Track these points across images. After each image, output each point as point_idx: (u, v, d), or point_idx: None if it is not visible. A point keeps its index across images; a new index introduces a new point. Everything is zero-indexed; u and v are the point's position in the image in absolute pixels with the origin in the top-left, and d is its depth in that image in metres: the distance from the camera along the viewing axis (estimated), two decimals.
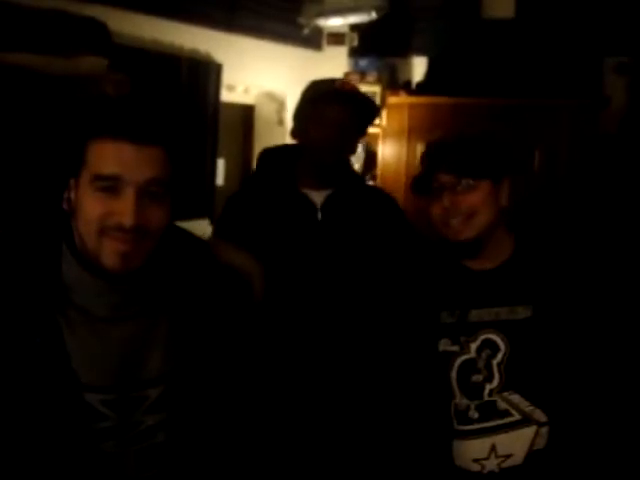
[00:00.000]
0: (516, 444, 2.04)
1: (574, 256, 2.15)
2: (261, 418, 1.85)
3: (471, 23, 5.62)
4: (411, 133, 5.64)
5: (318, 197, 2.55)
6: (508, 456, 2.04)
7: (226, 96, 5.52)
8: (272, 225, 2.49)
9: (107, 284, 1.53)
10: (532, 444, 2.04)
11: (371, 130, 5.74)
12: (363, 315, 2.47)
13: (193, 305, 1.66)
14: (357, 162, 6.00)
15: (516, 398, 2.04)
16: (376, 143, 5.86)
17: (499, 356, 2.04)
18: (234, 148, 5.87)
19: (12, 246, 1.57)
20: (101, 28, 3.91)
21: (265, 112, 5.85)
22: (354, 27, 6.05)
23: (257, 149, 5.61)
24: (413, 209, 5.42)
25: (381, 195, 2.87)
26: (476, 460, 2.05)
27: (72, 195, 1.53)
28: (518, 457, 2.04)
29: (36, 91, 3.43)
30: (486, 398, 2.04)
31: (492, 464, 2.04)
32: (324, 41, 6.27)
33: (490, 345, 2.05)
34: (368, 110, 2.62)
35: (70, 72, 3.53)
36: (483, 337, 2.05)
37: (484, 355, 2.04)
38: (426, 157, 2.10)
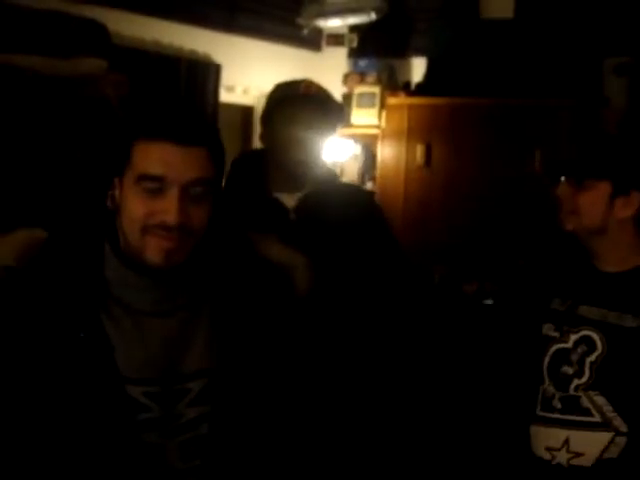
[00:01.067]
0: (590, 445, 2.05)
1: None
2: (298, 411, 1.84)
3: (470, 24, 5.61)
4: (410, 134, 5.63)
5: (290, 200, 2.55)
6: (579, 454, 2.04)
7: (225, 97, 5.52)
8: (247, 230, 2.48)
9: (149, 280, 1.58)
10: (605, 450, 2.03)
11: (370, 131, 5.77)
12: (343, 312, 2.48)
13: (234, 299, 1.68)
14: (356, 163, 6.01)
15: (601, 400, 2.04)
16: (375, 144, 5.85)
17: (594, 355, 2.05)
18: (233, 149, 5.83)
19: (57, 244, 1.62)
20: (100, 29, 3.91)
21: None
22: (353, 28, 6.04)
23: None
24: (413, 209, 5.47)
25: (355, 192, 2.86)
26: (548, 449, 2.07)
27: (116, 193, 1.58)
28: (588, 458, 2.04)
29: (36, 92, 3.43)
30: (571, 392, 2.06)
31: (562, 457, 2.05)
32: (323, 42, 6.27)
33: (588, 342, 2.07)
34: (334, 111, 2.62)
35: (69, 73, 3.53)
36: (584, 333, 2.07)
37: (580, 350, 2.07)
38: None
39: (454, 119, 5.44)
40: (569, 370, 2.07)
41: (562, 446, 2.05)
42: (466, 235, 5.21)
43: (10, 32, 3.62)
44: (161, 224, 1.52)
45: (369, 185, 5.95)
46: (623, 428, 2.02)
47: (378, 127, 5.81)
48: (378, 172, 5.82)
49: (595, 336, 2.05)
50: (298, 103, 2.51)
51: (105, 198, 1.60)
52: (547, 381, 2.09)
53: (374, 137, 5.83)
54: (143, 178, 1.51)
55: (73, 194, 2.76)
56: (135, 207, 1.52)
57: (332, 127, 2.63)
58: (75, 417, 1.50)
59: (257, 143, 5.70)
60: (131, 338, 1.56)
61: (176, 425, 1.59)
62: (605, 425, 2.03)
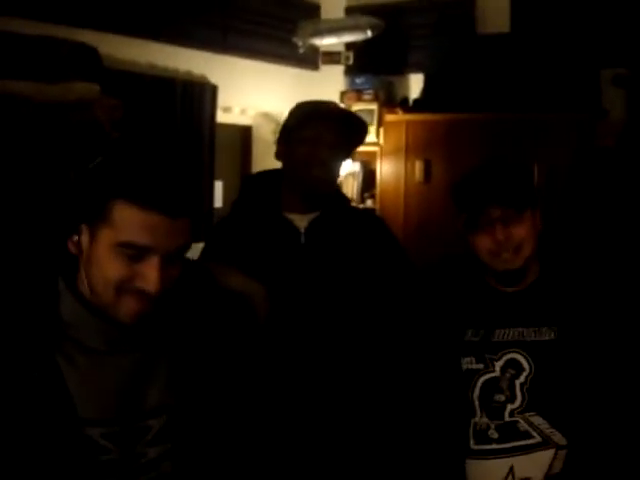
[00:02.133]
0: (535, 467, 2.01)
1: (595, 278, 2.13)
2: (263, 441, 1.82)
3: (466, 39, 5.61)
4: (409, 150, 5.62)
5: (302, 221, 2.52)
6: (526, 479, 2.00)
7: (223, 117, 5.52)
8: (256, 251, 2.45)
9: (105, 322, 1.52)
10: (550, 467, 2.00)
11: (368, 148, 5.75)
12: (349, 336, 2.46)
13: (194, 332, 1.64)
14: (355, 181, 5.99)
15: (537, 420, 2.01)
16: (374, 161, 5.83)
17: (522, 376, 2.01)
18: (232, 169, 5.87)
19: (8, 282, 1.56)
20: (92, 53, 3.91)
21: (262, 132, 5.84)
22: (350, 45, 6.05)
23: (255, 169, 5.59)
24: (413, 226, 5.45)
25: (369, 217, 2.83)
26: None
27: (83, 241, 1.50)
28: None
29: (26, 118, 3.42)
30: (507, 418, 2.01)
31: None
32: (320, 60, 6.27)
33: (514, 365, 2.02)
34: (356, 130, 2.59)
35: (61, 98, 3.52)
36: (508, 357, 2.03)
37: (508, 375, 2.02)
38: (469, 192, 2.07)
39: (453, 134, 5.42)
40: (501, 397, 2.01)
41: (507, 475, 2.00)
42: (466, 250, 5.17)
43: (1, 58, 3.62)
44: (140, 290, 1.47)
45: (368, 203, 5.93)
46: (562, 442, 2.00)
47: (376, 144, 5.80)
48: (377, 189, 5.81)
49: (519, 357, 2.01)
50: (317, 120, 2.50)
51: (65, 240, 1.54)
52: (479, 413, 2.02)
53: (372, 154, 5.82)
54: (126, 246, 1.44)
55: (37, 228, 2.73)
56: (112, 269, 1.46)
57: (353, 145, 2.62)
58: (32, 461, 1.44)
59: (256, 162, 5.75)
60: (87, 377, 1.50)
61: (137, 466, 1.53)
62: (545, 443, 2.00)
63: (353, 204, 5.84)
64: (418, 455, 2.08)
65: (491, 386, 2.02)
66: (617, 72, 5.10)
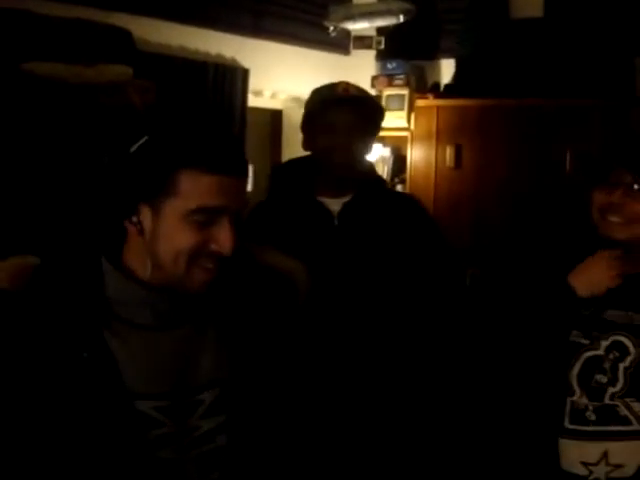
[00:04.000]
0: (630, 455, 1.98)
1: None
2: (306, 414, 1.84)
3: (499, 23, 5.56)
4: (440, 136, 5.60)
5: (335, 205, 2.53)
6: (619, 466, 1.98)
7: (253, 101, 5.51)
8: (291, 235, 2.47)
9: (155, 294, 1.55)
10: None
11: (399, 134, 5.74)
12: (385, 317, 2.46)
13: (240, 307, 1.68)
14: (385, 166, 5.97)
15: (638, 406, 1.98)
16: (405, 147, 5.81)
17: (627, 360, 1.99)
18: (262, 153, 5.86)
19: (52, 266, 1.59)
20: (125, 36, 3.93)
21: (293, 117, 5.82)
22: (381, 30, 6.01)
23: (285, 154, 5.61)
24: (443, 212, 5.43)
25: (404, 199, 2.83)
26: (585, 464, 2.00)
27: (144, 219, 1.52)
28: (629, 469, 1.98)
29: (61, 100, 3.44)
30: (607, 401, 1.99)
31: (600, 471, 1.99)
32: (351, 44, 6.24)
33: (620, 348, 2.00)
34: (374, 110, 2.59)
35: (94, 80, 3.54)
36: (614, 338, 2.00)
37: (612, 356, 2.00)
38: (612, 148, 2.05)
39: (484, 120, 5.40)
40: (603, 378, 1.99)
41: (600, 460, 1.97)
42: (497, 237, 5.15)
43: (36, 41, 3.64)
44: (214, 254, 1.51)
45: (399, 188, 5.91)
46: None
47: (407, 129, 5.78)
48: (408, 174, 5.79)
49: (626, 340, 1.98)
50: (336, 106, 2.50)
51: (117, 221, 1.56)
52: (578, 392, 2.00)
53: (403, 139, 5.81)
54: (200, 211, 1.48)
55: (84, 208, 2.75)
56: (185, 239, 1.49)
57: (374, 127, 2.61)
58: (87, 439, 1.47)
59: (286, 147, 5.76)
60: (137, 353, 1.54)
61: (191, 439, 1.56)
62: None
63: None
64: (510, 429, 2.07)
65: (594, 365, 2.00)
66: None
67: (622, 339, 1.99)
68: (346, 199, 2.54)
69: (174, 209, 1.49)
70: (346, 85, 2.61)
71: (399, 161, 5.97)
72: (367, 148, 2.60)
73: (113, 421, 1.48)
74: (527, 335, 2.08)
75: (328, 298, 2.43)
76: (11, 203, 3.32)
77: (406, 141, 5.80)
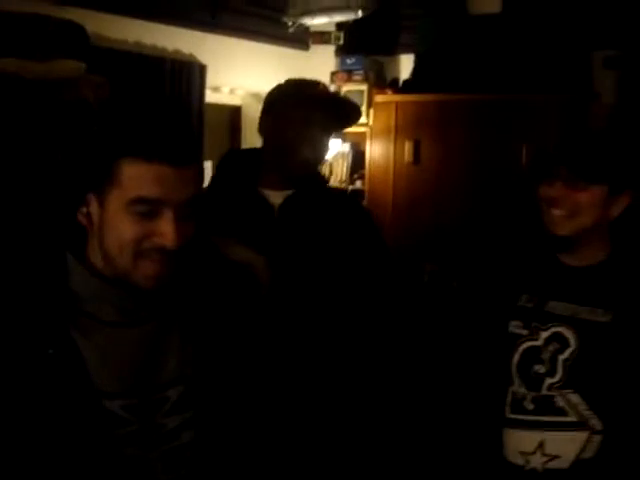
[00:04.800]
0: (566, 446, 2.00)
1: None
2: (272, 410, 1.84)
3: (457, 19, 5.57)
4: (399, 131, 5.60)
5: (277, 198, 2.52)
6: (555, 457, 2.00)
7: (212, 97, 5.48)
8: (231, 226, 2.45)
9: (122, 291, 1.53)
10: (582, 450, 1.99)
11: (358, 129, 5.73)
12: (323, 310, 2.45)
13: (204, 302, 1.66)
14: (344, 162, 5.96)
15: (575, 398, 1.99)
16: (364, 142, 5.81)
17: (567, 352, 2.00)
18: (221, 149, 5.79)
19: (16, 258, 1.57)
20: (78, 30, 3.85)
21: (252, 113, 5.80)
22: (340, 25, 6.00)
23: None
24: (402, 207, 5.44)
25: (345, 198, 2.84)
26: (522, 453, 2.02)
27: (93, 211, 1.51)
28: (565, 461, 2.00)
29: (11, 95, 3.38)
30: (544, 392, 2.01)
31: (537, 461, 2.00)
32: (310, 40, 6.22)
33: (560, 339, 2.01)
34: (347, 113, 2.59)
35: (46, 76, 3.48)
36: (555, 330, 2.02)
37: (551, 347, 2.01)
38: (553, 147, 2.07)
39: (442, 115, 5.41)
40: (541, 369, 2.01)
41: (536, 449, 1.99)
42: (455, 231, 5.17)
43: None
44: (158, 248, 1.47)
45: (358, 184, 5.91)
46: (598, 426, 1.98)
47: (366, 125, 5.77)
48: (367, 170, 5.79)
49: (567, 332, 2.00)
50: (316, 104, 2.49)
51: (68, 212, 1.54)
52: (517, 382, 2.03)
53: (362, 135, 5.80)
54: (138, 201, 1.44)
55: (39, 203, 2.71)
56: (127, 230, 1.46)
57: (345, 128, 2.63)
58: (54, 437, 1.45)
59: (245, 143, 5.72)
60: (104, 351, 1.52)
61: (157, 436, 1.55)
62: (581, 424, 1.98)
63: (343, 185, 5.90)
64: (454, 419, 2.09)
65: (532, 355, 2.02)
66: (608, 54, 5.08)
67: (563, 330, 2.01)
68: (288, 193, 2.52)
69: (116, 199, 1.46)
70: (322, 85, 2.62)
71: (358, 157, 5.97)
72: (328, 147, 2.60)
73: (81, 420, 1.47)
74: (470, 327, 2.11)
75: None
76: None
77: (365, 137, 5.80)
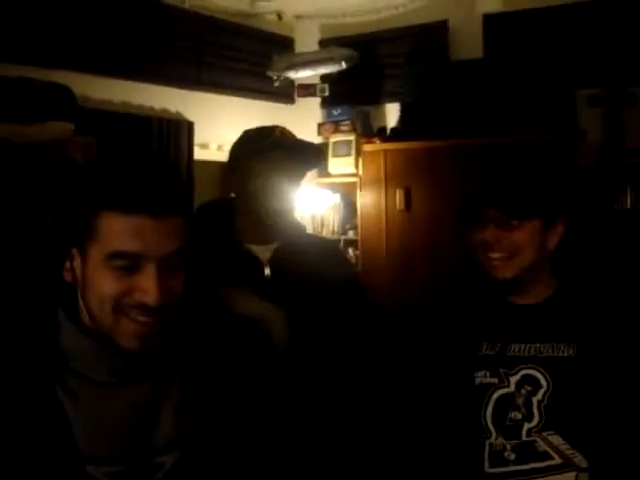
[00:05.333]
0: None
1: (613, 295, 2.06)
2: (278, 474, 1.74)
3: (440, 66, 5.62)
4: (389, 179, 5.61)
5: (263, 252, 2.43)
6: None
7: (200, 154, 5.49)
8: (219, 283, 2.38)
9: (110, 350, 1.42)
10: None
11: (348, 179, 5.75)
12: (320, 362, 2.40)
13: (204, 361, 1.55)
14: (336, 213, 5.97)
15: (556, 439, 1.90)
16: (354, 192, 5.81)
17: (540, 394, 1.92)
18: None
19: (6, 315, 1.49)
20: (65, 92, 3.89)
21: None
22: (325, 77, 6.04)
23: None
24: (396, 255, 5.42)
25: (325, 243, 2.81)
26: None
27: (76, 266, 1.42)
28: None
29: (4, 159, 3.38)
30: (524, 438, 1.91)
31: None
32: (295, 93, 6.26)
33: (531, 381, 1.93)
34: (313, 156, 2.55)
35: (35, 139, 3.49)
36: (524, 372, 1.94)
37: (524, 391, 1.93)
38: (475, 188, 2.01)
39: (431, 161, 5.42)
40: (517, 415, 1.91)
41: None
42: (450, 277, 5.14)
43: None
44: (139, 305, 1.37)
45: (350, 234, 5.90)
46: (584, 464, 1.90)
47: (356, 175, 5.78)
48: (359, 219, 5.79)
49: (536, 373, 1.93)
50: (275, 151, 2.43)
51: (60, 268, 1.46)
52: (494, 433, 1.92)
53: (352, 185, 5.81)
54: (116, 255, 1.36)
55: (29, 262, 2.68)
56: (106, 286, 1.37)
57: (308, 172, 2.56)
58: None
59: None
60: (91, 412, 1.41)
61: None
62: (566, 465, 1.90)
63: (335, 236, 5.88)
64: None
65: (506, 403, 1.93)
66: (593, 92, 5.12)
67: (532, 372, 1.94)
68: (274, 246, 2.46)
69: (96, 253, 1.38)
70: (282, 129, 2.56)
71: (349, 207, 5.97)
72: (296, 193, 2.55)
73: None
74: (437, 382, 2.03)
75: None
76: None
77: (355, 186, 5.80)
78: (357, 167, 5.81)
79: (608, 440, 1.91)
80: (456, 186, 5.27)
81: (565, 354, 1.94)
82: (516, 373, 1.94)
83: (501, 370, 1.95)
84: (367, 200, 5.73)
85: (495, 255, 1.94)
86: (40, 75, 4.02)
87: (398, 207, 5.53)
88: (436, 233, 5.36)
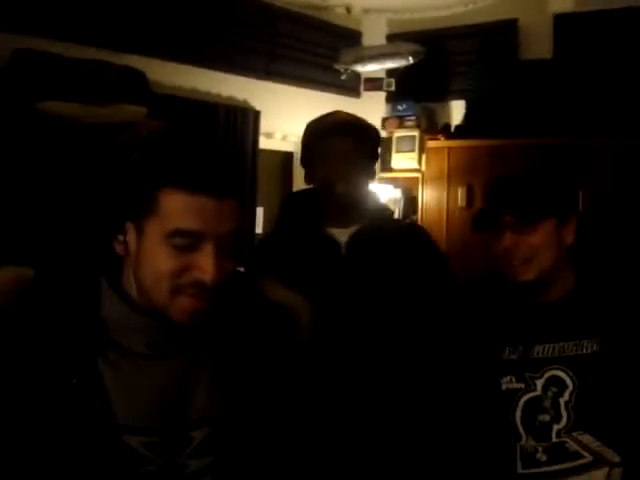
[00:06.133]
0: None
1: (636, 288, 2.06)
2: (305, 457, 1.77)
3: (508, 65, 5.59)
4: (451, 176, 5.60)
5: (343, 235, 2.51)
6: None
7: (264, 143, 5.54)
8: (299, 266, 2.44)
9: (154, 322, 1.47)
10: None
11: (410, 175, 5.75)
12: (392, 349, 2.43)
13: (238, 343, 1.59)
14: (396, 207, 5.97)
15: (586, 438, 1.93)
16: (416, 188, 5.82)
17: (566, 394, 1.94)
18: (273, 196, 5.88)
19: (48, 281, 1.51)
20: (139, 76, 3.96)
21: None
22: (391, 72, 6.05)
23: None
24: (456, 252, 5.41)
25: (413, 230, 2.82)
26: None
27: (130, 239, 1.45)
28: None
29: (75, 138, 3.46)
30: (554, 439, 1.94)
31: None
32: (361, 87, 6.29)
33: (557, 382, 1.95)
34: (369, 135, 2.58)
35: (108, 120, 3.56)
36: (549, 374, 1.96)
37: (550, 393, 1.95)
38: (488, 195, 2.05)
39: (494, 160, 5.39)
40: (546, 417, 1.94)
41: None
42: None
43: (52, 81, 3.67)
44: (196, 282, 1.41)
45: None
46: (616, 459, 1.92)
47: (418, 170, 5.79)
48: (420, 215, 5.79)
49: (561, 373, 1.95)
50: (331, 135, 2.48)
51: (110, 241, 1.49)
52: (524, 436, 1.94)
53: (414, 180, 5.82)
54: (177, 233, 1.39)
55: (81, 229, 2.72)
56: (165, 262, 1.40)
57: (371, 153, 2.59)
58: (70, 470, 1.38)
59: (297, 189, 5.75)
60: (130, 384, 1.46)
61: (178, 478, 1.47)
62: (598, 462, 1.92)
63: None
64: None
65: (534, 406, 1.96)
66: None
67: (557, 373, 1.95)
68: (354, 229, 2.52)
69: (155, 230, 1.41)
70: (338, 113, 2.60)
71: (410, 202, 5.97)
72: (367, 175, 2.58)
73: (99, 455, 1.40)
74: (466, 388, 2.04)
75: (337, 328, 2.41)
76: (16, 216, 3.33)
77: (417, 182, 5.81)
78: (420, 163, 5.82)
79: (638, 433, 1.93)
80: None
81: (589, 350, 1.96)
82: (541, 376, 1.96)
83: (526, 374, 1.97)
84: (429, 196, 5.73)
85: (515, 261, 1.96)
86: (115, 59, 4.10)
87: (459, 204, 5.51)
88: None
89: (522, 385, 1.97)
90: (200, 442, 1.49)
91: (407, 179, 5.87)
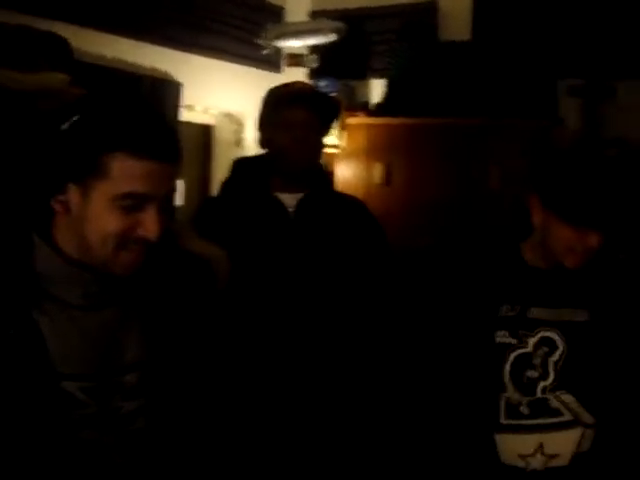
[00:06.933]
0: (564, 444, 2.07)
1: (627, 262, 2.18)
2: (231, 400, 1.87)
3: (428, 45, 5.70)
4: (369, 153, 5.68)
5: (291, 200, 2.59)
6: (554, 456, 2.06)
7: (185, 115, 5.52)
8: (246, 228, 2.51)
9: (88, 274, 1.56)
10: (578, 445, 2.07)
11: (329, 150, 5.80)
12: (337, 312, 2.51)
13: (161, 291, 1.69)
14: None
15: (568, 398, 2.06)
16: (334, 163, 5.88)
17: (556, 354, 2.06)
18: (193, 168, 5.87)
19: None
20: (63, 43, 3.92)
21: (224, 132, 5.87)
22: (313, 49, 6.09)
23: (215, 170, 5.64)
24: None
25: (352, 200, 2.91)
26: (521, 456, 2.06)
27: (72, 199, 1.52)
28: (564, 458, 2.07)
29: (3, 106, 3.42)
30: (539, 395, 2.06)
31: (537, 462, 2.06)
32: (284, 62, 6.32)
33: (548, 343, 2.07)
34: (330, 108, 2.66)
35: (32, 87, 3.53)
36: (542, 334, 2.07)
37: (541, 352, 2.06)
38: (588, 196, 1.98)
39: (413, 138, 5.49)
40: (534, 374, 2.06)
41: (536, 451, 2.05)
42: (427, 251, 5.23)
43: None
44: (140, 239, 1.52)
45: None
46: (590, 420, 2.06)
47: (338, 147, 5.85)
48: (336, 190, 5.83)
49: (554, 335, 2.07)
50: (294, 103, 2.55)
51: (43, 200, 1.56)
52: (511, 388, 2.07)
53: (332, 156, 5.87)
54: (129, 196, 1.49)
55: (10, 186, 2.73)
56: (111, 223, 1.50)
57: (329, 123, 2.67)
58: (9, 416, 1.46)
59: (217, 162, 5.77)
60: (65, 333, 1.54)
61: (113, 419, 1.58)
62: (575, 422, 2.06)
63: None
64: (447, 429, 2.12)
65: (523, 362, 2.07)
66: (574, 83, 5.23)
67: (550, 334, 2.07)
68: (301, 195, 2.59)
69: (103, 192, 1.49)
70: (300, 83, 2.68)
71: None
72: (322, 144, 2.66)
73: (38, 400, 1.48)
74: (455, 340, 2.14)
75: (282, 290, 2.48)
76: None
77: (335, 158, 5.87)
78: (339, 139, 5.88)
79: (614, 400, 2.07)
80: (435, 163, 5.39)
81: (581, 319, 2.08)
82: (535, 335, 2.08)
83: (520, 331, 2.08)
84: (346, 172, 5.80)
85: (585, 255, 2.01)
86: (36, 24, 4.05)
87: (377, 181, 5.60)
88: (413, 209, 5.45)
89: (515, 341, 2.08)
90: (132, 385, 1.61)
91: (327, 155, 5.92)
